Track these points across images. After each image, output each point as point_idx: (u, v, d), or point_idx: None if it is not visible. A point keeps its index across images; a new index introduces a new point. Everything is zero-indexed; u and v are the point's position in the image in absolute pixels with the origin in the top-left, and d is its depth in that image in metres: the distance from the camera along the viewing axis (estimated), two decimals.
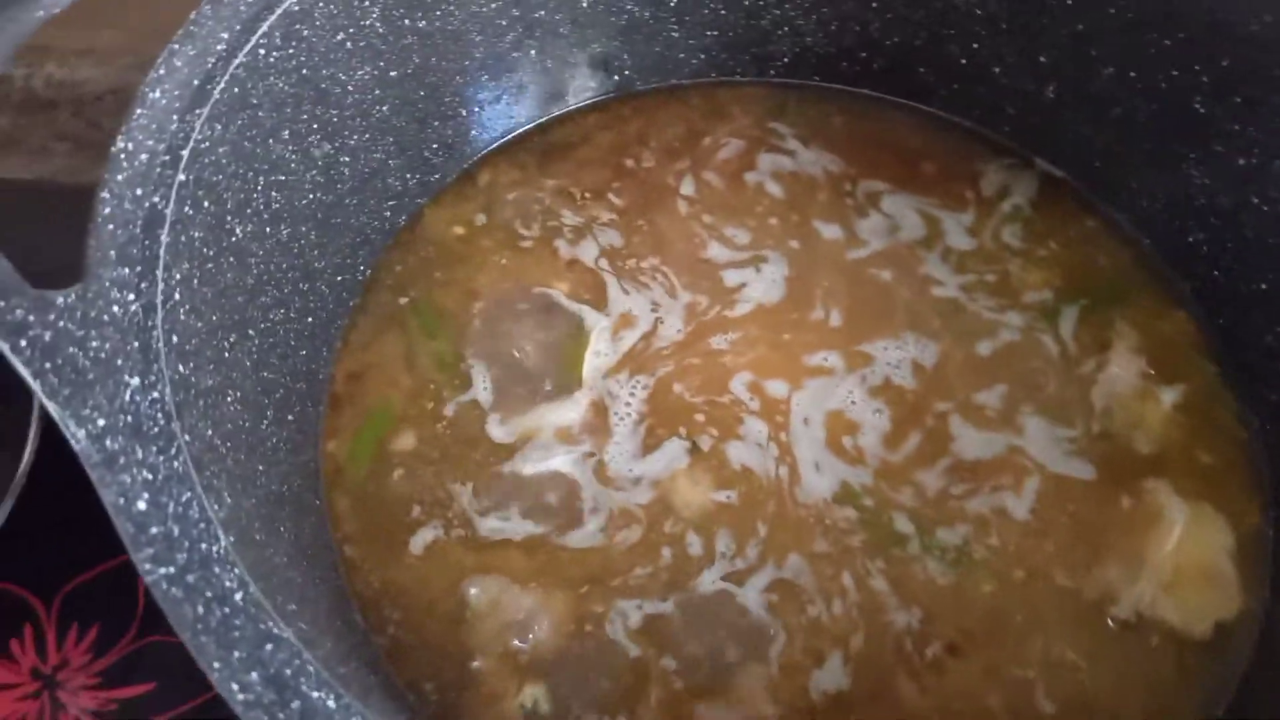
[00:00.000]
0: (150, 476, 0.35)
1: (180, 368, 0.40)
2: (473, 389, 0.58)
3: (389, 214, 0.63)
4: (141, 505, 0.34)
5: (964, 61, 0.67)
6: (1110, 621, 0.51)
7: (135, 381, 0.37)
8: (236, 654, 0.32)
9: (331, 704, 0.33)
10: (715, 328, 0.61)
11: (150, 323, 0.39)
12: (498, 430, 0.57)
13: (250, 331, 0.49)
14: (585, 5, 0.66)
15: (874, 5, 0.67)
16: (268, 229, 0.51)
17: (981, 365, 0.59)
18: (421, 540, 0.53)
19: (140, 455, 0.35)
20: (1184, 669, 0.50)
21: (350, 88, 0.56)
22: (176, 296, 0.41)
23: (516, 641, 0.51)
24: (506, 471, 0.56)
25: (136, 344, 0.38)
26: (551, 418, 0.57)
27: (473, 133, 0.68)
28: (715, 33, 0.70)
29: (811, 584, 0.52)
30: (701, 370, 0.59)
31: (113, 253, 0.40)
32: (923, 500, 0.54)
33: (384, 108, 0.60)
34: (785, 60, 0.72)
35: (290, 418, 0.52)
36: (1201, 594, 0.51)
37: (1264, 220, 0.57)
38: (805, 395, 0.58)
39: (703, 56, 0.71)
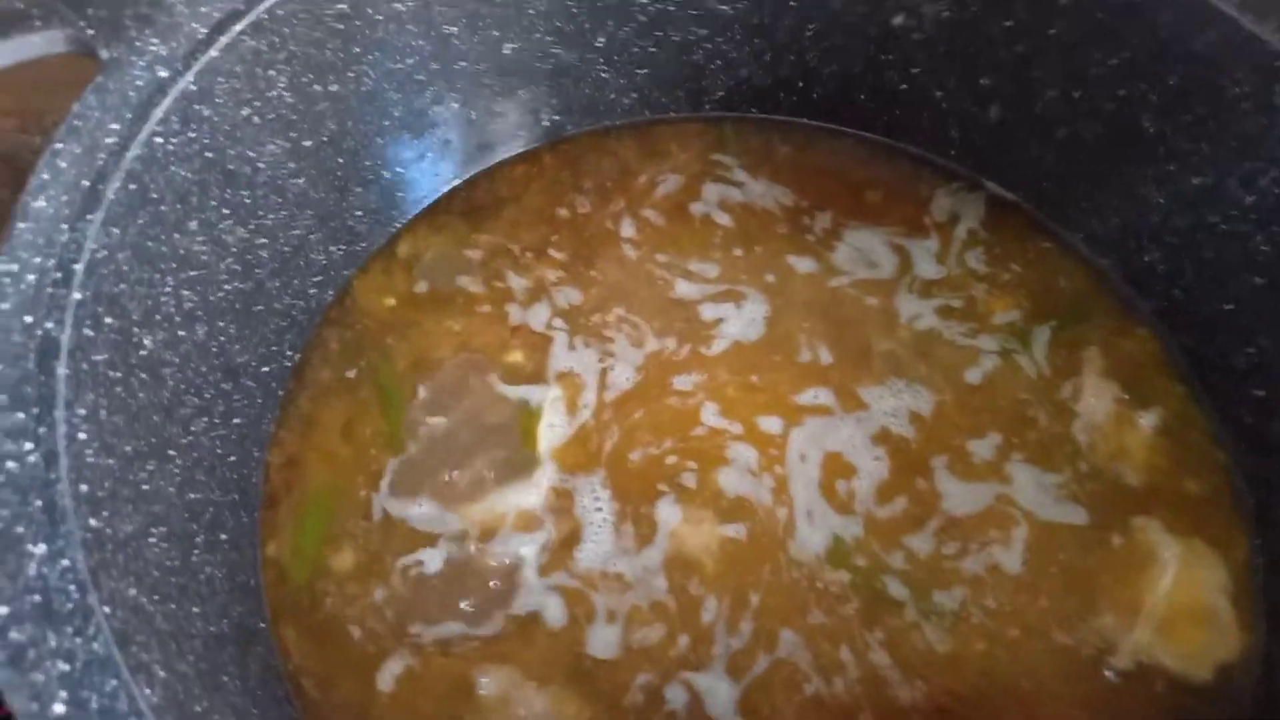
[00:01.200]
0: (67, 667, 0.30)
1: (93, 521, 0.35)
2: (420, 475, 0.54)
3: (314, 291, 0.59)
4: (60, 708, 0.29)
5: (904, 87, 0.65)
6: (1109, 673, 0.49)
7: (41, 550, 0.32)
8: None
9: None
10: (685, 367, 0.58)
11: (53, 474, 0.34)
12: (453, 521, 0.53)
13: (171, 452, 0.44)
14: (509, 52, 0.62)
15: (809, 34, 0.65)
16: (181, 332, 0.46)
17: (971, 403, 0.57)
18: (390, 673, 0.49)
19: (54, 643, 0.31)
20: (1189, 717, 0.48)
21: (261, 164, 0.52)
22: (82, 435, 0.37)
23: None
24: (468, 571, 0.52)
25: (39, 503, 0.33)
26: (512, 501, 0.53)
27: (398, 195, 0.63)
28: (646, 70, 0.67)
29: (808, 661, 0.49)
30: (665, 411, 0.56)
31: (3, 396, 0.35)
32: (914, 561, 0.51)
33: (300, 180, 0.55)
34: (720, 94, 0.69)
35: (224, 537, 0.47)
36: (1200, 636, 0.49)
37: (1223, 240, 0.55)
38: (803, 432, 0.55)
39: (635, 96, 0.68)
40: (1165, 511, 0.52)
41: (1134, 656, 0.49)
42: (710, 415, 0.56)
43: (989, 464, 0.54)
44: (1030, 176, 0.65)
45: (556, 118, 0.68)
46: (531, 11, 0.61)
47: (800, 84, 0.68)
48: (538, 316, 0.60)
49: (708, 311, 0.60)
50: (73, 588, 0.32)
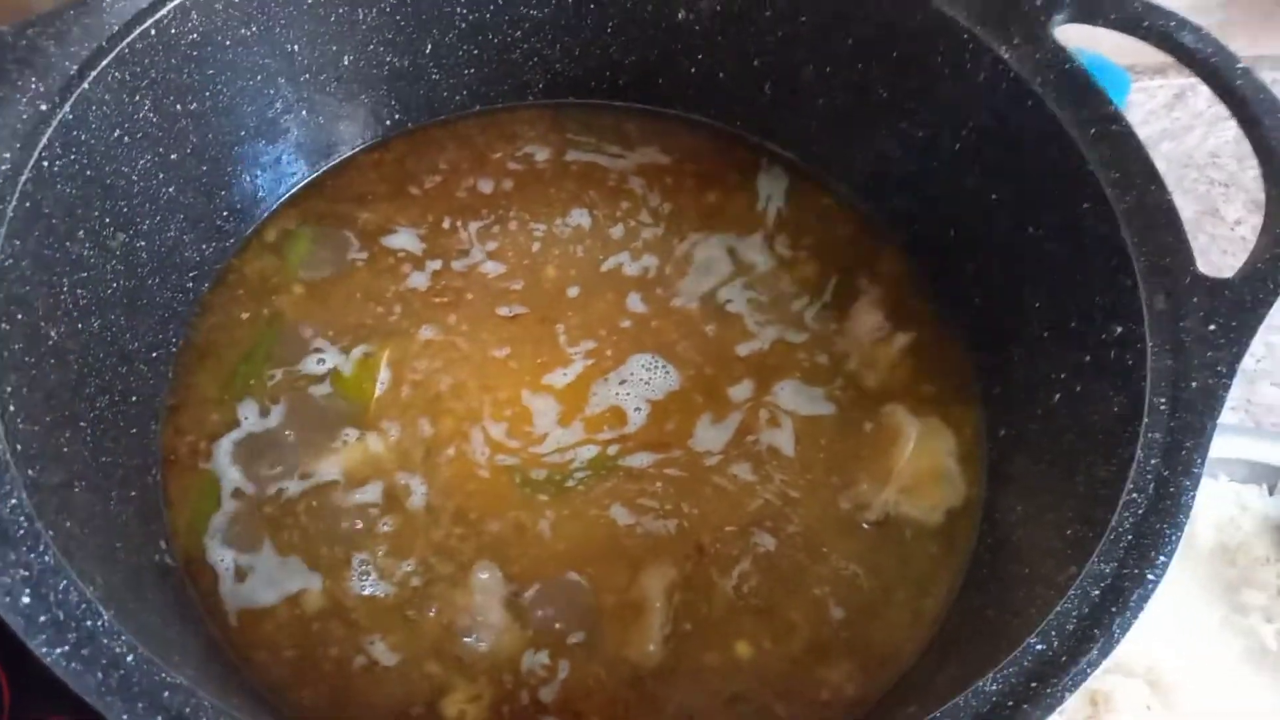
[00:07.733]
0: (27, 573, 0.40)
1: (30, 471, 0.44)
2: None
3: (191, 285, 0.67)
4: (26, 599, 0.39)
5: (694, 71, 0.77)
6: (865, 525, 0.62)
7: None
8: (140, 705, 0.38)
9: None
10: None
11: None
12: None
13: (82, 424, 0.53)
14: (347, 63, 0.72)
15: (609, 30, 0.76)
16: (80, 325, 0.55)
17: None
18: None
19: (14, 557, 0.40)
20: (930, 556, 0.62)
21: (135, 177, 0.60)
22: (11, 408, 0.46)
23: None
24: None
25: None
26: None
27: (260, 194, 0.72)
28: (472, 70, 0.77)
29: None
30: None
31: None
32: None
33: (170, 189, 0.63)
34: (541, 85, 0.80)
35: (133, 494, 0.56)
36: (935, 490, 0.63)
37: (943, 180, 0.69)
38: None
39: (465, 93, 0.78)
40: (910, 399, 0.66)
41: (883, 510, 0.62)
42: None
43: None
44: (802, 140, 0.77)
45: (398, 115, 0.77)
46: (364, 27, 0.70)
47: (608, 72, 0.79)
48: (403, 284, 0.70)
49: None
50: (22, 519, 0.41)
